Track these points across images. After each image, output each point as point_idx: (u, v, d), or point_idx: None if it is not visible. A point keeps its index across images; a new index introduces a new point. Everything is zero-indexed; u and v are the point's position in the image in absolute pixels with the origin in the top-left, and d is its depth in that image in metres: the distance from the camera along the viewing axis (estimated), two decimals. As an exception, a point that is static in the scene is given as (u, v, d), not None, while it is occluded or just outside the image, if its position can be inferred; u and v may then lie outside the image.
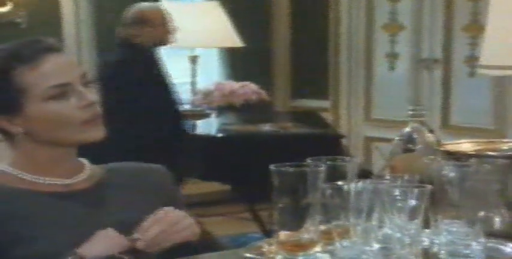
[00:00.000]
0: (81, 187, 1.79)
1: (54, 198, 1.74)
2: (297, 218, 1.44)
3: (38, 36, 1.80)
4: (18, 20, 5.26)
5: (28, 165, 1.76)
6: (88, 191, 1.79)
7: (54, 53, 1.74)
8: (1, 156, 1.82)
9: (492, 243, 1.49)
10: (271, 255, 1.49)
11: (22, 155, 1.77)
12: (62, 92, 1.71)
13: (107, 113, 1.77)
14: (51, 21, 5.36)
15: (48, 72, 1.71)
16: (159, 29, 4.28)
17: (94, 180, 1.82)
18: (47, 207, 1.72)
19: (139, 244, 1.66)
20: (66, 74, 1.73)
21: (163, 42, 4.33)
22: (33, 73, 1.70)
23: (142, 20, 4.25)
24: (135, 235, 1.67)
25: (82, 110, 1.72)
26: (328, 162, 1.49)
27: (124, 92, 4.00)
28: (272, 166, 1.46)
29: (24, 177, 1.76)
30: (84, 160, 1.85)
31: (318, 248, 1.44)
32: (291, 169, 1.44)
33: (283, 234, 1.45)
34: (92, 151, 1.84)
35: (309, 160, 1.50)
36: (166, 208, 1.73)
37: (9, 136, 1.77)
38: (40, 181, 1.76)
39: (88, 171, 1.83)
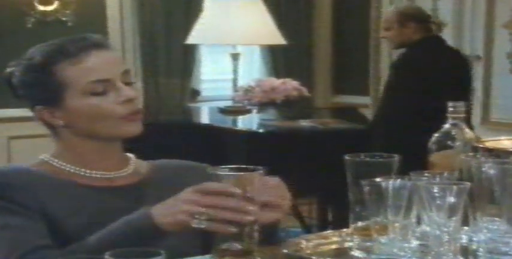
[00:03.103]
0: (123, 183, 1.80)
1: (94, 192, 1.75)
2: None
3: (84, 34, 1.82)
4: (65, 19, 5.32)
5: (70, 157, 1.79)
6: (130, 188, 1.80)
7: (99, 49, 1.76)
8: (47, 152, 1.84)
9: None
10: (309, 251, 1.52)
11: (64, 147, 1.80)
12: (102, 87, 1.74)
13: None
14: (97, 20, 5.39)
15: (89, 67, 1.74)
16: (424, 25, 4.53)
17: (138, 177, 1.83)
18: (85, 199, 1.73)
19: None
20: (108, 70, 1.75)
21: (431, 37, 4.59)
22: (75, 68, 1.73)
23: (406, 19, 4.48)
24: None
25: (120, 105, 1.74)
26: (366, 159, 1.51)
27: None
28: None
29: (66, 169, 1.78)
30: (131, 156, 1.87)
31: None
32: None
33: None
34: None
35: (346, 157, 1.51)
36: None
37: (52, 128, 1.80)
38: (81, 173, 1.78)
39: (132, 166, 1.84)
